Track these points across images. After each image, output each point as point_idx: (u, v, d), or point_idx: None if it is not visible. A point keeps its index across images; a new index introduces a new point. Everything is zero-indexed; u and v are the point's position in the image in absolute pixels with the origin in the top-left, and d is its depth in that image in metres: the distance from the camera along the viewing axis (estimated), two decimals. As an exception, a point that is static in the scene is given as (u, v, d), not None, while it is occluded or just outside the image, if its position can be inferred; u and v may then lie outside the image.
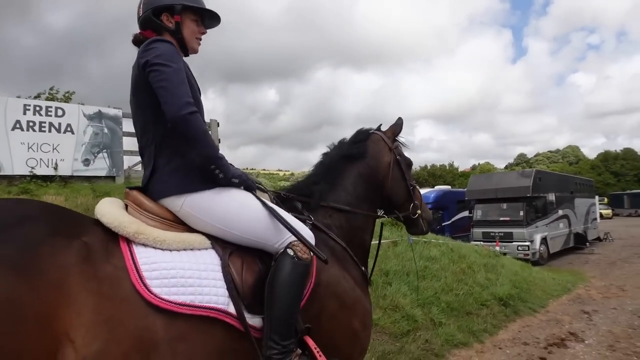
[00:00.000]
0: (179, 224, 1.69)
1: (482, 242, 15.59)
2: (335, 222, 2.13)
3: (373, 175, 2.29)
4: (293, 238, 1.70)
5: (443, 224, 19.73)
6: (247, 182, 1.78)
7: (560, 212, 17.04)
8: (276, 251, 1.71)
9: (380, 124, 2.52)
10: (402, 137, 2.50)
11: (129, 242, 1.53)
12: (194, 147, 1.63)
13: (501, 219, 15.58)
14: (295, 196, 2.16)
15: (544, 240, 15.46)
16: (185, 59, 1.84)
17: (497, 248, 14.42)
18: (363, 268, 2.16)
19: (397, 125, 2.46)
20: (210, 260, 1.62)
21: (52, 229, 1.38)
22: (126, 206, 1.70)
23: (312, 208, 2.12)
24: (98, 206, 1.62)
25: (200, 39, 1.92)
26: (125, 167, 9.05)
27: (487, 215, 16.15)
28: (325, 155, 2.34)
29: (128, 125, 9.17)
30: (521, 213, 15.08)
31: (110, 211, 1.57)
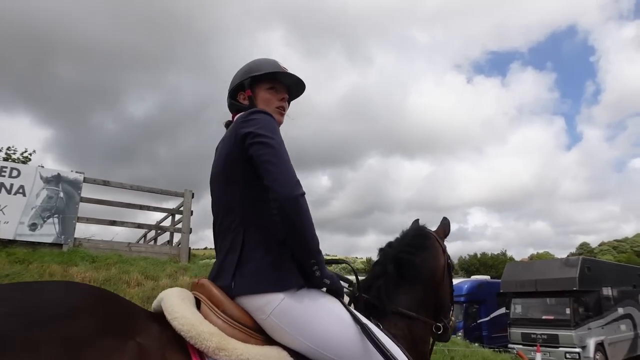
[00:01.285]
0: (259, 332, 1.42)
1: (520, 346, 12.91)
2: (399, 332, 1.90)
3: (430, 279, 2.13)
4: None
5: (479, 321, 17.00)
6: (337, 285, 1.54)
7: (621, 311, 14.05)
8: None
9: (417, 220, 2.43)
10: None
11: (201, 354, 1.27)
12: (298, 236, 1.40)
13: (544, 317, 12.94)
14: (367, 297, 1.91)
15: (600, 346, 12.52)
16: None
17: (539, 356, 11.73)
18: None
19: (446, 226, 2.38)
20: None
21: (102, 325, 1.14)
22: (197, 301, 1.45)
23: (380, 314, 1.89)
24: (166, 299, 1.36)
25: (283, 108, 1.76)
26: (79, 235, 8.17)
27: (527, 312, 13.54)
28: (383, 254, 2.16)
29: (88, 191, 8.52)
30: (567, 311, 12.44)
31: (183, 314, 1.30)
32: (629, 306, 14.65)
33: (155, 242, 11.84)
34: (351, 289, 1.89)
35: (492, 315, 17.17)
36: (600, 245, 72.60)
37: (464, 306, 16.84)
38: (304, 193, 1.41)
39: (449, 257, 2.28)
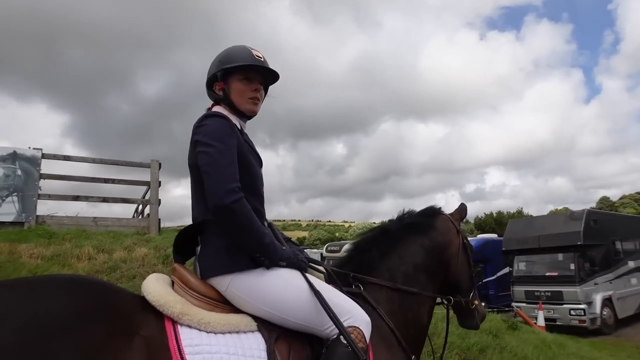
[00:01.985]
0: (224, 304, 1.64)
1: (524, 304, 12.44)
2: (384, 296, 2.00)
3: (438, 251, 2.20)
4: (349, 322, 1.62)
5: (485, 280, 16.53)
6: (296, 264, 1.67)
7: (632, 264, 13.37)
8: (327, 337, 1.62)
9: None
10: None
11: (173, 322, 1.48)
12: (236, 238, 1.60)
13: (547, 274, 12.37)
14: (338, 270, 2.03)
15: (607, 302, 11.96)
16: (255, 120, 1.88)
17: (541, 314, 11.25)
18: (413, 357, 1.95)
19: (463, 210, 2.42)
20: (255, 345, 1.55)
21: (109, 326, 1.31)
22: (173, 283, 1.66)
23: (362, 281, 2.01)
24: (145, 282, 1.58)
25: (257, 98, 1.81)
26: (43, 212, 7.85)
27: (531, 269, 12.98)
28: (388, 222, 2.29)
29: (47, 167, 8.15)
30: (572, 266, 11.83)
31: (155, 289, 1.54)
32: (640, 259, 13.97)
33: (142, 215, 11.64)
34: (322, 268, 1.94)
35: (498, 274, 16.61)
36: (621, 198, 70.68)
37: (468, 266, 16.35)
38: (236, 199, 1.53)
39: (465, 238, 2.33)
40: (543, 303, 11.98)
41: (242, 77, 1.77)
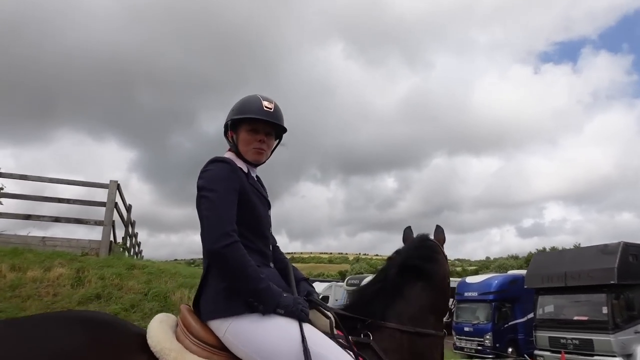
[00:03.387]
0: (223, 350, 1.61)
1: (549, 353, 10.61)
2: (392, 345, 1.90)
3: (442, 286, 2.18)
4: None
5: (512, 323, 14.59)
6: (294, 313, 1.60)
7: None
8: None
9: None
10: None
11: None
12: (230, 281, 1.60)
13: (576, 318, 10.51)
14: (351, 314, 1.96)
15: (652, 355, 9.86)
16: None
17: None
18: None
19: (442, 234, 2.37)
20: None
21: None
22: (177, 324, 1.69)
23: (372, 327, 1.92)
24: (150, 323, 1.62)
25: (261, 149, 1.82)
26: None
27: (557, 312, 11.14)
28: (389, 263, 2.21)
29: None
30: (604, 310, 9.95)
31: (155, 332, 1.56)
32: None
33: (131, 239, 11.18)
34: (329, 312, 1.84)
35: (529, 316, 14.64)
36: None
37: (492, 305, 14.52)
38: (228, 244, 1.54)
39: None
40: (569, 353, 10.13)
41: (250, 127, 1.80)
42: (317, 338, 1.61)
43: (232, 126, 1.82)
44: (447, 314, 2.27)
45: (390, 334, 1.92)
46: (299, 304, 1.63)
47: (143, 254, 21.45)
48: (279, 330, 1.57)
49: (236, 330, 1.57)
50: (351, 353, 1.67)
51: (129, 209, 11.44)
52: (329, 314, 1.80)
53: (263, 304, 1.57)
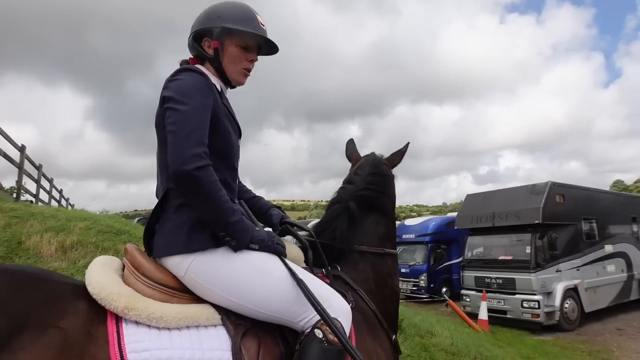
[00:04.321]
0: (183, 292, 1.41)
1: (473, 292, 10.55)
2: (360, 275, 1.85)
3: (391, 210, 2.12)
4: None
5: (447, 263, 14.64)
6: (270, 247, 1.46)
7: (609, 249, 11.31)
8: (302, 329, 1.43)
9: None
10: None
11: (118, 319, 1.26)
12: (199, 209, 1.38)
13: (501, 258, 10.38)
14: (319, 241, 1.78)
15: (572, 292, 9.97)
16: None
17: (484, 305, 9.36)
18: (394, 337, 1.84)
19: (401, 154, 2.22)
20: (218, 344, 1.32)
21: (18, 319, 1.13)
22: (123, 267, 1.45)
23: (339, 255, 1.85)
24: (88, 269, 1.37)
25: (249, 70, 1.64)
26: None
27: (483, 252, 11.01)
28: (343, 191, 2.03)
29: None
30: (527, 249, 9.82)
31: (98, 277, 1.31)
32: (623, 242, 11.84)
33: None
34: (305, 239, 1.77)
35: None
36: (636, 182, 67.01)
37: (428, 247, 14.46)
38: (200, 166, 1.30)
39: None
40: (493, 292, 10.08)
41: (242, 43, 1.59)
42: (298, 269, 1.47)
43: (218, 35, 1.55)
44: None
45: (354, 264, 1.86)
46: (274, 237, 1.50)
47: (72, 202, 20.30)
48: (254, 264, 1.41)
49: (200, 267, 1.38)
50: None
51: (21, 149, 10.17)
52: (304, 241, 1.72)
53: (236, 239, 1.39)
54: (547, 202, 9.82)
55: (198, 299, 1.40)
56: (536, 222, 9.68)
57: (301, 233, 1.81)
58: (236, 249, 1.40)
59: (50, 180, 15.82)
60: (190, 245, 1.38)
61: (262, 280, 1.39)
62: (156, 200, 1.52)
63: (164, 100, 1.42)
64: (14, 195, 9.70)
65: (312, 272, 1.61)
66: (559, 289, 9.69)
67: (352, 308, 1.56)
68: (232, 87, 1.67)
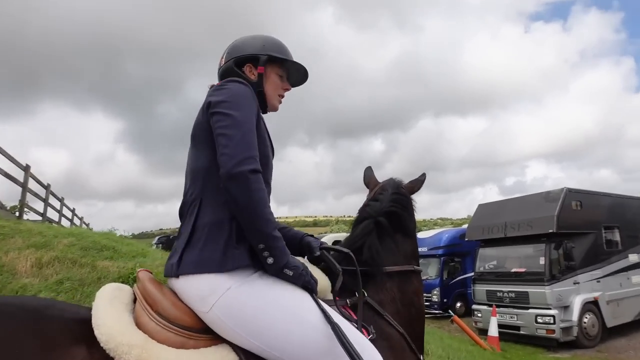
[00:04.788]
0: (200, 332, 1.25)
1: (485, 307, 9.96)
2: (387, 296, 1.73)
3: (414, 229, 2.04)
4: None
5: (461, 277, 14.00)
6: (304, 278, 1.33)
7: (634, 258, 10.55)
8: None
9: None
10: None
11: None
12: (242, 216, 1.27)
13: (513, 270, 9.79)
14: (355, 268, 1.63)
15: (591, 306, 9.28)
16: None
17: (494, 321, 8.82)
18: (421, 357, 1.74)
19: (420, 182, 2.14)
20: None
21: None
22: (134, 298, 1.29)
23: (368, 276, 1.70)
24: (95, 303, 1.21)
25: (283, 97, 1.72)
26: None
27: (495, 264, 10.42)
28: (370, 208, 1.94)
29: None
30: (541, 261, 9.23)
31: (106, 318, 1.15)
32: (650, 252, 11.03)
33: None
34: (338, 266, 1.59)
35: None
36: (671, 187, 63.94)
37: (441, 260, 13.88)
38: (254, 170, 1.27)
39: None
40: (506, 306, 9.49)
41: (281, 72, 1.68)
42: (336, 318, 1.31)
43: (264, 62, 1.62)
44: None
45: (382, 284, 1.75)
46: (307, 269, 1.37)
47: (88, 222, 20.65)
48: (288, 306, 1.27)
49: (230, 302, 1.23)
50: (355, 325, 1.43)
51: (25, 168, 10.29)
52: (338, 268, 1.56)
53: (273, 257, 1.27)
54: (563, 209, 9.25)
55: (216, 339, 1.28)
56: (550, 231, 9.11)
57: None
58: (271, 269, 1.30)
59: (61, 200, 15.92)
60: (225, 262, 1.27)
61: (294, 327, 1.26)
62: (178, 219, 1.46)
63: (210, 105, 1.38)
64: (17, 213, 9.74)
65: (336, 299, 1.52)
66: (577, 303, 9.05)
67: (372, 340, 1.44)
68: (265, 112, 1.67)
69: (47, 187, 13.07)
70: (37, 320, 1.11)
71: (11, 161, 9.60)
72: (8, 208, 9.45)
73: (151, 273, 1.36)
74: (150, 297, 1.25)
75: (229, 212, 1.32)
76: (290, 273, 1.30)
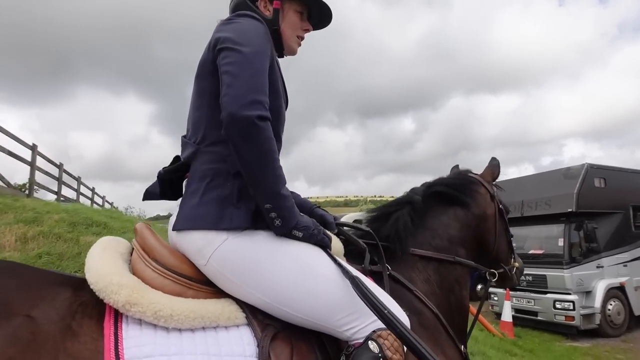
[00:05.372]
0: (202, 283, 1.18)
1: (502, 290, 9.45)
2: (419, 275, 1.64)
3: (473, 223, 1.90)
4: (378, 324, 1.15)
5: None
6: (316, 237, 1.23)
7: (668, 241, 9.69)
8: (348, 339, 1.18)
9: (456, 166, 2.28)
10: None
11: (117, 315, 1.04)
12: (246, 169, 1.13)
13: (531, 252, 9.21)
14: (378, 243, 1.58)
15: (617, 292, 8.61)
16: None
17: (507, 304, 8.34)
18: (462, 347, 1.61)
19: (495, 167, 2.15)
20: (240, 348, 1.09)
21: None
22: (132, 250, 1.24)
23: (393, 254, 1.62)
24: (89, 252, 1.15)
25: (302, 38, 1.52)
26: None
27: (516, 246, 9.82)
28: (411, 191, 1.92)
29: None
30: (560, 242, 8.61)
31: (97, 263, 1.10)
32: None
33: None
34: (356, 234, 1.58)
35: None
36: None
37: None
38: (261, 116, 1.10)
39: (500, 202, 2.07)
40: (523, 290, 8.95)
41: (300, 9, 1.47)
42: (351, 270, 1.22)
43: None
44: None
45: (413, 263, 1.64)
46: (319, 226, 1.25)
47: (109, 201, 21.09)
48: (298, 257, 1.17)
49: (228, 254, 1.13)
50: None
51: (32, 147, 10.47)
52: (361, 244, 1.50)
53: (281, 218, 1.14)
54: (583, 187, 8.55)
55: (219, 292, 1.19)
56: (569, 210, 8.45)
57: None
58: (278, 231, 1.18)
59: (77, 179, 16.09)
60: (222, 220, 1.15)
61: (304, 278, 1.17)
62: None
63: (217, 41, 1.22)
64: (26, 192, 9.94)
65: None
66: (600, 288, 8.39)
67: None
68: (281, 56, 1.51)
69: (59, 167, 13.15)
70: (16, 268, 1.07)
71: (17, 141, 9.80)
72: (16, 186, 9.62)
73: (149, 224, 1.26)
74: (147, 244, 1.17)
75: (233, 165, 1.20)
76: (300, 234, 1.20)
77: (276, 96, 1.30)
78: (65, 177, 13.63)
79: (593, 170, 8.92)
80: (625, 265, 8.94)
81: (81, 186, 16.45)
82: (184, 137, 1.37)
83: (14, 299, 0.97)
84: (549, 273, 8.57)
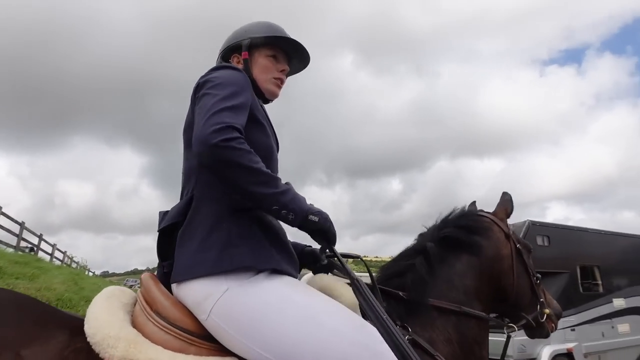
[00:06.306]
0: (205, 339, 1.12)
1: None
2: (440, 336, 1.52)
3: (486, 267, 1.76)
4: None
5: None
6: (331, 226, 1.25)
7: (620, 304, 9.25)
8: None
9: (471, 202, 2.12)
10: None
11: None
12: (241, 189, 1.13)
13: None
14: (387, 289, 1.54)
15: (563, 359, 7.99)
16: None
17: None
18: None
19: (508, 202, 2.00)
20: None
21: None
22: (136, 302, 1.21)
23: (411, 309, 1.53)
24: (92, 301, 1.14)
25: (281, 80, 1.54)
26: None
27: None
28: (421, 237, 1.84)
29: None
30: (501, 303, 8.06)
31: (98, 313, 1.08)
32: (640, 296, 9.68)
33: None
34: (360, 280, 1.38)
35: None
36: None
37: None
38: (226, 138, 1.09)
39: (517, 240, 1.90)
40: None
41: (271, 53, 1.51)
42: (375, 302, 1.23)
43: (247, 46, 1.47)
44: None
45: (431, 321, 1.53)
46: (325, 214, 1.24)
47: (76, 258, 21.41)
48: (302, 305, 1.10)
49: (231, 305, 1.08)
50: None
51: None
52: (361, 283, 1.30)
53: (292, 211, 1.14)
54: (524, 244, 8.16)
55: (223, 350, 1.11)
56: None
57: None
58: (294, 223, 1.16)
59: (39, 236, 16.56)
60: (222, 262, 1.11)
61: (309, 332, 1.06)
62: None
63: (197, 87, 1.27)
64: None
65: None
66: (545, 355, 7.73)
67: None
68: (265, 101, 1.54)
69: (21, 224, 13.96)
70: (22, 302, 1.08)
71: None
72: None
73: (154, 275, 1.23)
74: (150, 295, 1.15)
75: (226, 208, 1.20)
76: (316, 218, 1.19)
77: (265, 138, 1.32)
78: (26, 234, 14.55)
79: (535, 227, 8.56)
80: (573, 330, 8.36)
81: (42, 242, 16.91)
82: (180, 194, 1.36)
83: (7, 334, 0.97)
84: (491, 338, 7.95)
